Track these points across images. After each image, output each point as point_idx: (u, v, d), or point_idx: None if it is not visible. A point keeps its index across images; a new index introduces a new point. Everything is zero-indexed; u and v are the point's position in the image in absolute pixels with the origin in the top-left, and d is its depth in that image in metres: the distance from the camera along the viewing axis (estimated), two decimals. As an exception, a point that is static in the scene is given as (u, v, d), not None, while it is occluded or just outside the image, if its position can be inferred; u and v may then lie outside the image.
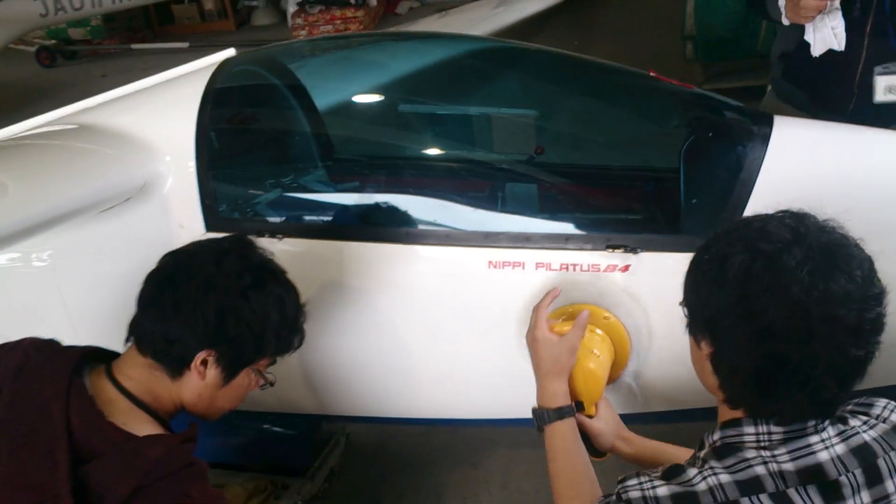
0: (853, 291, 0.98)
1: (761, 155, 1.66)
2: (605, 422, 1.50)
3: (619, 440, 1.49)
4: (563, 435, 1.39)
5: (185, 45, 7.94)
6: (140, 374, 1.35)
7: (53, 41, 8.53)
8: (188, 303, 1.32)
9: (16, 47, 8.01)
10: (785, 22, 1.99)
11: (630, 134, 2.33)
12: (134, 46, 8.49)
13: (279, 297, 1.40)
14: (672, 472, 1.09)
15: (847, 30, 1.95)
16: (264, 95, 2.38)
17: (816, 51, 1.98)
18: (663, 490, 1.06)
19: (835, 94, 2.13)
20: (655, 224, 1.99)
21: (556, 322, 1.52)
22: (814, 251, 1.00)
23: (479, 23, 4.60)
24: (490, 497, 2.42)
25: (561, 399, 1.43)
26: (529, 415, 1.48)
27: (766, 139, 1.69)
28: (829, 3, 1.88)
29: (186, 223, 1.91)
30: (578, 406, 1.48)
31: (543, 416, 1.42)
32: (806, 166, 1.69)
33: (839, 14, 1.92)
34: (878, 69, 2.02)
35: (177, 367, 1.35)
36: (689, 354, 1.20)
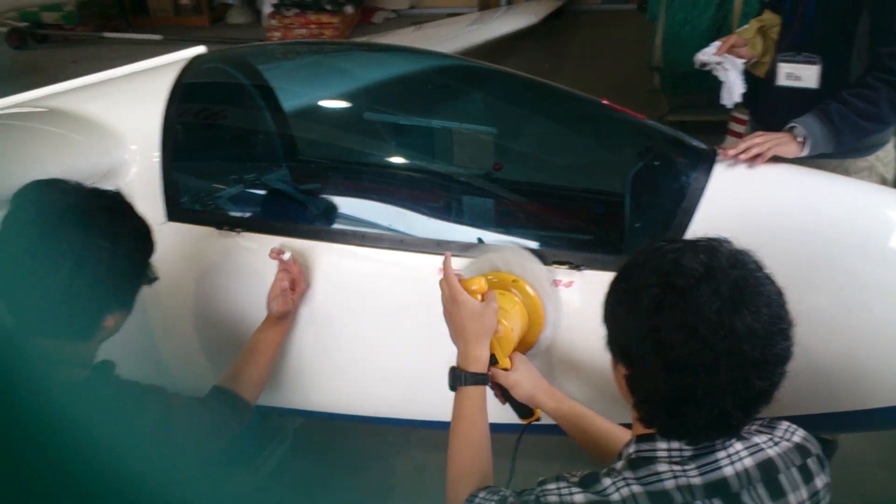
0: (758, 329, 1.02)
1: (703, 186, 1.75)
2: (522, 373, 1.53)
3: (541, 393, 1.52)
4: (473, 399, 1.42)
5: (158, 37, 7.87)
6: None
7: (25, 24, 8.42)
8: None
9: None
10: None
11: (582, 158, 2.41)
12: (106, 35, 8.38)
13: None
14: (588, 481, 1.13)
15: None
16: (232, 94, 2.43)
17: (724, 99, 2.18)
18: (580, 497, 1.11)
19: None
20: (600, 244, 2.08)
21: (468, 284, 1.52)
22: (722, 288, 1.03)
23: (453, 39, 4.67)
24: (434, 500, 2.44)
25: (480, 365, 1.45)
26: None
27: (708, 172, 1.79)
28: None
29: (147, 212, 1.94)
30: (492, 360, 1.50)
31: (460, 378, 1.44)
32: (743, 200, 1.79)
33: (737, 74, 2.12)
34: (779, 56, 2.17)
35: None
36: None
